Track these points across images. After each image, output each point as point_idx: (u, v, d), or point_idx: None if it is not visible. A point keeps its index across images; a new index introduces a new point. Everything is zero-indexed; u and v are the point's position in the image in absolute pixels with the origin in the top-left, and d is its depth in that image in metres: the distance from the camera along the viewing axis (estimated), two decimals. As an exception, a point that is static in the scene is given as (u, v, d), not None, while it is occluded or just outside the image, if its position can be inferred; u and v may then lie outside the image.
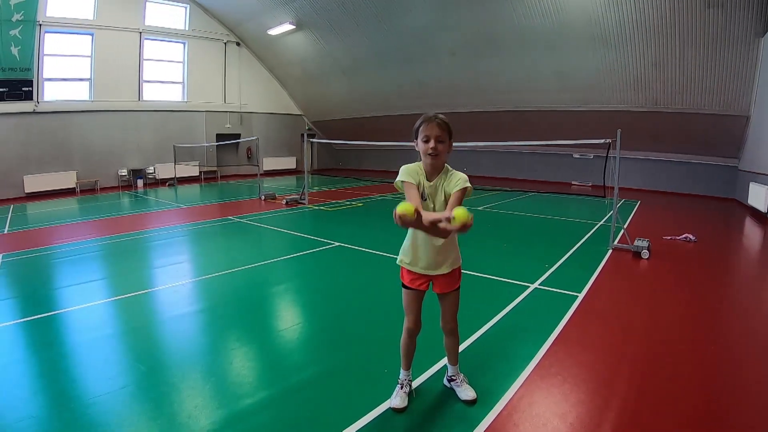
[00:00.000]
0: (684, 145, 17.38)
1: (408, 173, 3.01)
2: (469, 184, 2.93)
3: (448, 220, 2.52)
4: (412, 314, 3.26)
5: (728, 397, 3.49)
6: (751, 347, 4.50)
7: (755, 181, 13.03)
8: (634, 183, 18.79)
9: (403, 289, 3.25)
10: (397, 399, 3.30)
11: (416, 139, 3.03)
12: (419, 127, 2.99)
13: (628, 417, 3.21)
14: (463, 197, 2.92)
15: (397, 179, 3.05)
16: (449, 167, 3.10)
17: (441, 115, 2.98)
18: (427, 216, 2.67)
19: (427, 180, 3.03)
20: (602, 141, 8.65)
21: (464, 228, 2.48)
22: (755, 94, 13.78)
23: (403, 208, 2.50)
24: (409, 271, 3.21)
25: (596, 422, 3.14)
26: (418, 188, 3.00)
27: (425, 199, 3.03)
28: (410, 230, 3.12)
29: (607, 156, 9.53)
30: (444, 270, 3.16)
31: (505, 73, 18.62)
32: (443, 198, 3.01)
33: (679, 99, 15.47)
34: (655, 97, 15.93)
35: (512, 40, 17.14)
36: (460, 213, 2.49)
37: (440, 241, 3.05)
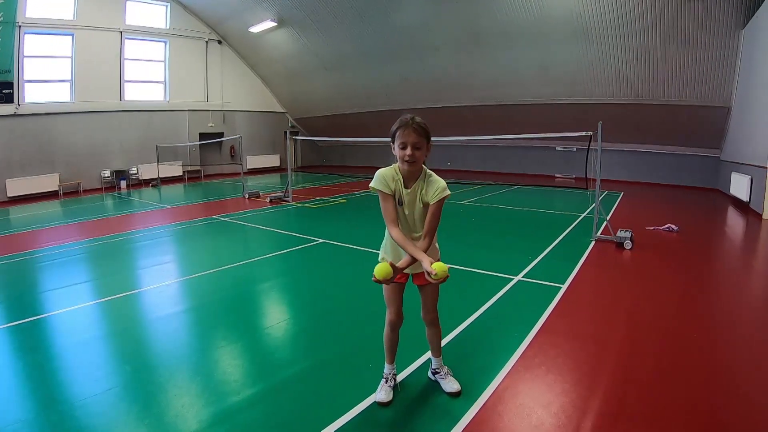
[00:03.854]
0: (667, 137, 17.56)
1: (382, 179, 3.01)
2: (447, 192, 2.95)
3: (428, 273, 2.74)
4: (393, 306, 3.28)
5: (712, 385, 3.56)
6: (734, 334, 4.59)
7: (737, 171, 13.19)
8: (618, 175, 18.93)
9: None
10: (382, 393, 3.33)
11: (393, 143, 3.01)
12: (396, 132, 2.96)
13: (613, 406, 3.26)
14: (440, 209, 3.00)
15: (372, 183, 3.04)
16: (428, 171, 3.08)
17: (418, 119, 2.95)
18: (403, 263, 2.93)
19: (404, 187, 3.04)
20: (583, 133, 8.72)
21: (444, 279, 2.77)
22: (736, 86, 13.95)
23: (381, 272, 2.80)
24: None
25: (581, 411, 3.19)
26: (394, 195, 3.03)
27: (402, 205, 3.05)
28: (388, 231, 3.14)
29: (588, 148, 9.61)
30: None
31: (489, 67, 18.70)
32: (421, 206, 3.04)
33: (661, 91, 15.63)
34: (637, 90, 16.08)
35: (495, 35, 17.22)
36: (439, 269, 2.71)
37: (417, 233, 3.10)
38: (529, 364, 3.88)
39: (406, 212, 3.05)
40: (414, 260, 2.87)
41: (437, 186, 2.97)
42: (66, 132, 20.03)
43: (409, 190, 3.03)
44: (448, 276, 2.75)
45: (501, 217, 11.55)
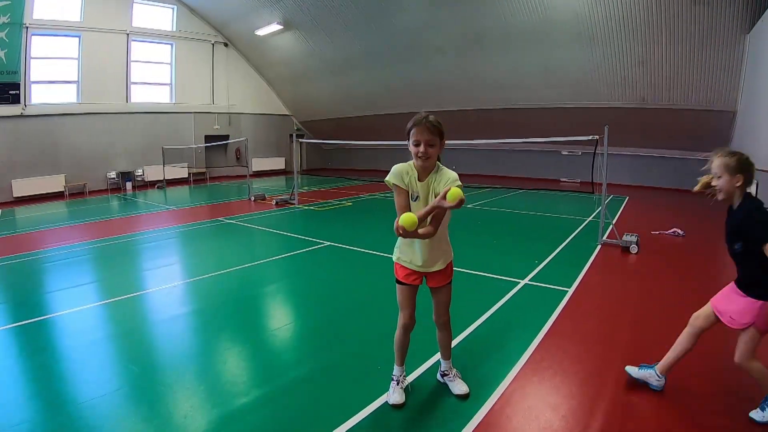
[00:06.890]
0: (672, 141, 17.51)
1: (398, 174, 3.08)
2: (458, 183, 2.95)
3: (444, 198, 2.70)
4: (407, 309, 3.29)
5: (719, 389, 3.55)
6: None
7: (742, 175, 13.13)
8: (623, 179, 18.89)
9: (398, 285, 3.28)
10: (396, 395, 3.33)
11: (408, 140, 3.04)
12: (411, 129, 3.00)
13: (620, 408, 3.26)
14: None
15: (387, 177, 3.10)
16: (440, 165, 3.13)
17: (432, 117, 2.99)
18: (421, 211, 2.86)
19: (418, 180, 3.08)
20: (589, 138, 8.71)
21: (460, 203, 2.67)
22: (741, 89, 13.90)
23: (405, 220, 2.72)
24: (403, 267, 3.24)
25: (588, 413, 3.19)
26: (408, 191, 3.09)
27: (415, 200, 3.09)
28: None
29: (594, 152, 9.59)
30: (439, 266, 3.21)
31: (493, 70, 18.68)
32: (434, 197, 3.04)
33: (666, 95, 15.59)
34: (642, 94, 16.04)
35: (499, 38, 17.20)
36: (453, 191, 2.68)
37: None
38: (536, 366, 3.88)
39: (421, 206, 3.06)
40: (432, 209, 2.85)
41: (448, 177, 3.03)
42: (72, 133, 20.11)
43: (422, 183, 3.08)
44: (463, 199, 2.70)
45: (506, 220, 11.54)
